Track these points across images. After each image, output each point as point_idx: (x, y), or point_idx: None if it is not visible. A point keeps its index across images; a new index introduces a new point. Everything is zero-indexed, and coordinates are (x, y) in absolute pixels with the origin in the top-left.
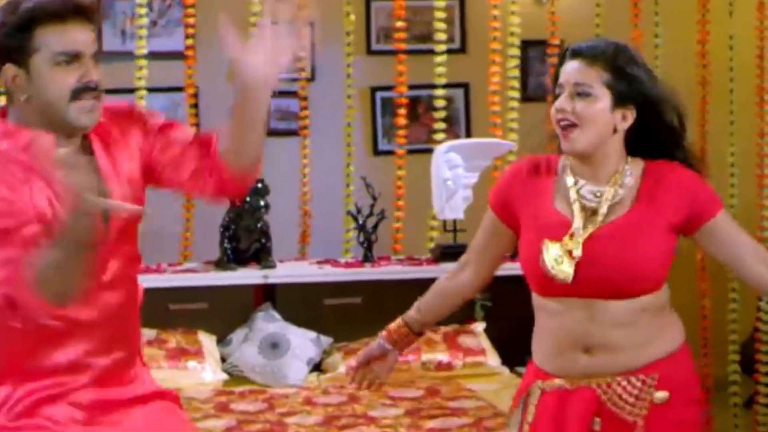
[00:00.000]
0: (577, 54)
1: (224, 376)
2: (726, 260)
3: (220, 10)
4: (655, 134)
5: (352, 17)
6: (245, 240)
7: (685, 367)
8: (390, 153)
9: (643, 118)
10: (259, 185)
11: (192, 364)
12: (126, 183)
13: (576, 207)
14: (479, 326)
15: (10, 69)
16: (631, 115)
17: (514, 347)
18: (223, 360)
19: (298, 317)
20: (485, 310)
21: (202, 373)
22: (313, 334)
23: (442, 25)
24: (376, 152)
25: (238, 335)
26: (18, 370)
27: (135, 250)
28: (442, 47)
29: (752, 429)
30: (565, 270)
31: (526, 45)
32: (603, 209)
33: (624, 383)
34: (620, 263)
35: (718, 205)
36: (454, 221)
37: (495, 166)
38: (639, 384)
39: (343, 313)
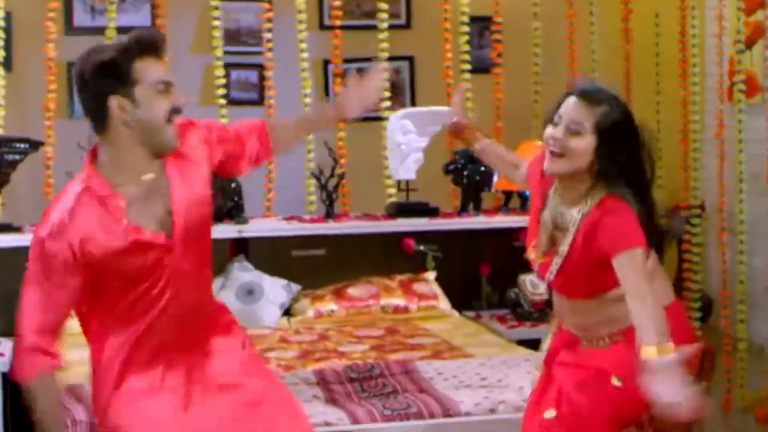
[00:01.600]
0: (582, 95)
1: None
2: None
3: None
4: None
5: None
6: (221, 198)
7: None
8: (341, 121)
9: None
10: None
11: None
12: (192, 204)
13: (547, 224)
14: (431, 275)
15: (115, 99)
16: (596, 162)
17: (461, 293)
18: None
19: (269, 267)
20: (436, 261)
21: None
22: (283, 282)
23: (384, 5)
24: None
25: (215, 284)
26: None
27: (207, 251)
28: (385, 24)
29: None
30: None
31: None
32: (567, 239)
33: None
34: (563, 281)
35: (620, 249)
36: (407, 182)
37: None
38: (607, 339)
39: (309, 263)
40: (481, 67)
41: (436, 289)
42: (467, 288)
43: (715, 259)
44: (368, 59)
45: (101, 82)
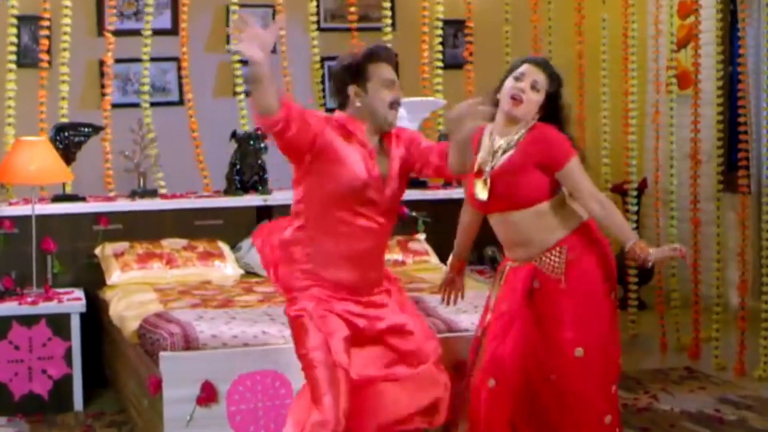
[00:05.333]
0: (539, 65)
1: (241, 271)
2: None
3: None
4: (555, 114)
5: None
6: (248, 173)
7: (585, 237)
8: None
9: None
10: (259, 132)
11: (217, 263)
12: (397, 169)
13: (487, 153)
14: (422, 236)
15: (353, 88)
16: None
17: (446, 252)
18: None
19: None
20: (426, 225)
21: (224, 269)
22: None
23: (387, 12)
24: (326, 110)
25: (245, 243)
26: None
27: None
28: (388, 29)
29: (629, 326)
30: (481, 195)
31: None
32: (498, 153)
33: (549, 255)
34: (505, 191)
35: (564, 160)
36: None
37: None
38: (557, 254)
39: None
40: (455, 64)
41: (427, 247)
42: (451, 248)
43: (653, 230)
44: None
45: (345, 75)
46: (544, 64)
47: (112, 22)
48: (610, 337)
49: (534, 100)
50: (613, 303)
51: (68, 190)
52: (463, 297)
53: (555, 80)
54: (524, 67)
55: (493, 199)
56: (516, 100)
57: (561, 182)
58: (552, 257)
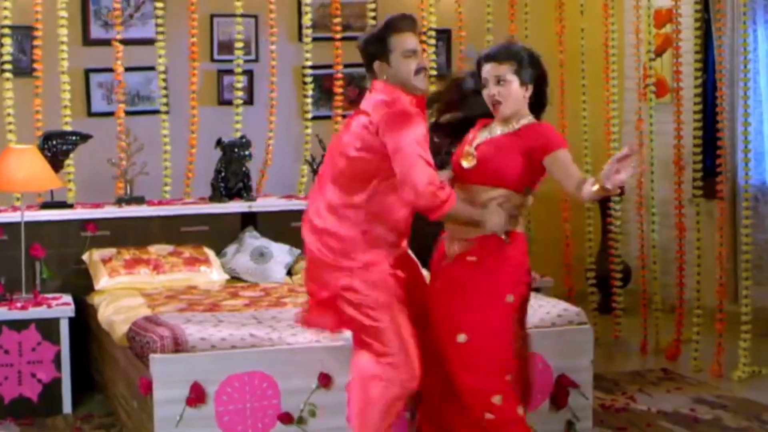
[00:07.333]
0: (491, 59)
1: (226, 276)
2: (561, 183)
3: (184, 4)
4: (538, 96)
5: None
6: (233, 180)
7: (495, 247)
8: (318, 118)
9: (535, 89)
10: (244, 140)
11: (203, 268)
12: None
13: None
14: None
15: (377, 64)
16: (530, 88)
17: (427, 253)
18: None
19: (273, 235)
20: None
21: (210, 275)
22: (287, 247)
23: (372, 22)
24: (311, 119)
25: (230, 249)
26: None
27: None
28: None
29: (612, 329)
30: (466, 163)
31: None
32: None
33: (456, 244)
34: (484, 162)
35: (554, 147)
36: None
37: None
38: (461, 245)
39: None
40: (440, 74)
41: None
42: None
43: (633, 235)
44: (344, 65)
45: (369, 51)
46: (495, 55)
47: (119, 30)
48: (501, 335)
49: (511, 91)
50: (510, 307)
51: (65, 196)
52: None
53: (515, 55)
54: (483, 71)
55: (475, 170)
56: (495, 105)
57: (548, 168)
58: (455, 245)
